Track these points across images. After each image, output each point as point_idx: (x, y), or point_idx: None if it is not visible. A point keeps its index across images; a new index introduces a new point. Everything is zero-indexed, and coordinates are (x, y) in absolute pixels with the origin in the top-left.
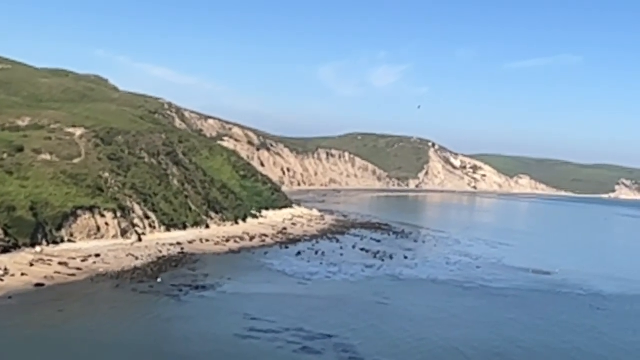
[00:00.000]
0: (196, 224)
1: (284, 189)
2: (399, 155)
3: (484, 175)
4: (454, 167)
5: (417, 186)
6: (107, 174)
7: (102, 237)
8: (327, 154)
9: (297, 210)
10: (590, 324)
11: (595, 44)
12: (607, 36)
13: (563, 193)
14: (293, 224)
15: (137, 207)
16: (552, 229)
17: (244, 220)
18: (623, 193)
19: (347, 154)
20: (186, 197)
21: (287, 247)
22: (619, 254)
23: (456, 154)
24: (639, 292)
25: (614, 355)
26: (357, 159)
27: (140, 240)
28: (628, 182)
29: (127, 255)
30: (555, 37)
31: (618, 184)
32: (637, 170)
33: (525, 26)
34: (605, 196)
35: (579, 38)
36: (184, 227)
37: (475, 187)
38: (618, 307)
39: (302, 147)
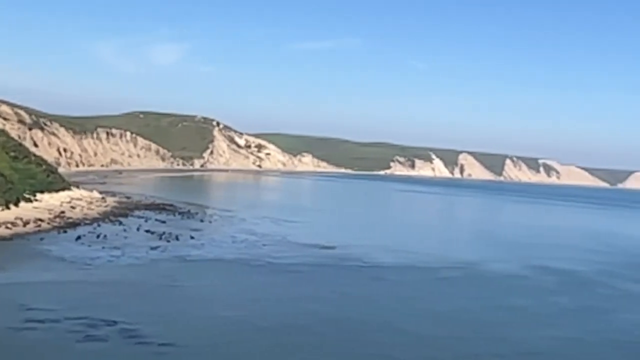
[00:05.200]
0: None
1: (61, 170)
2: (183, 134)
3: (268, 154)
4: (239, 146)
5: (202, 166)
6: None
7: None
8: (108, 133)
9: (76, 192)
10: (371, 293)
11: (374, 28)
12: (384, 20)
13: (343, 170)
14: (72, 207)
15: None
16: (334, 204)
17: (16, 204)
18: (397, 169)
19: (128, 134)
20: None
21: (65, 232)
22: (392, 226)
23: (241, 133)
24: (410, 262)
25: (389, 320)
26: (140, 139)
27: None
28: (401, 159)
29: None
30: (337, 20)
31: (393, 161)
32: (409, 148)
33: (308, 8)
34: (382, 172)
35: (358, 21)
36: None
37: (260, 166)
38: (394, 276)
39: (80, 126)
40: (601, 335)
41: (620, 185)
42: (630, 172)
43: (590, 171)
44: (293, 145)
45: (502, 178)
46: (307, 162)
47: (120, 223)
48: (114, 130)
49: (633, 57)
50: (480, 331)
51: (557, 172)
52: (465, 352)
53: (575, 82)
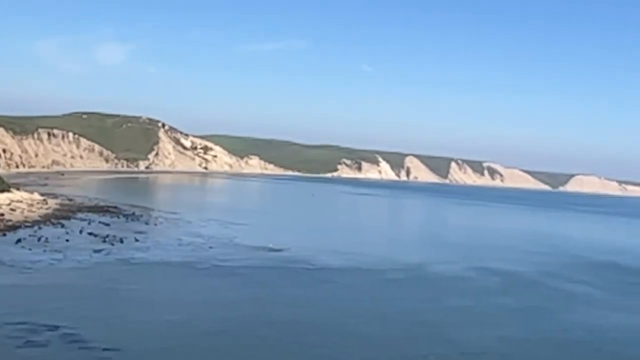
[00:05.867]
0: None
1: (0, 171)
2: (128, 135)
3: (214, 156)
4: (185, 147)
5: (147, 167)
6: None
7: None
8: (49, 134)
9: (16, 194)
10: (318, 295)
11: (319, 30)
12: (329, 23)
13: (290, 172)
14: (12, 209)
15: None
16: (281, 207)
17: None
18: (344, 172)
19: (71, 134)
20: None
21: (4, 235)
22: (339, 229)
23: (187, 135)
24: (357, 264)
25: (337, 322)
26: (83, 140)
27: None
28: (348, 162)
29: None
30: (282, 22)
31: (340, 163)
32: (355, 151)
33: (252, 10)
34: (329, 175)
35: (303, 24)
36: None
37: (206, 168)
38: (341, 278)
39: (20, 126)
40: (544, 335)
41: (561, 188)
42: (571, 176)
43: (533, 174)
44: (240, 147)
45: (447, 181)
46: (254, 164)
47: (63, 226)
48: (55, 131)
49: (576, 63)
50: (427, 332)
51: (501, 175)
52: (412, 353)
53: (519, 86)
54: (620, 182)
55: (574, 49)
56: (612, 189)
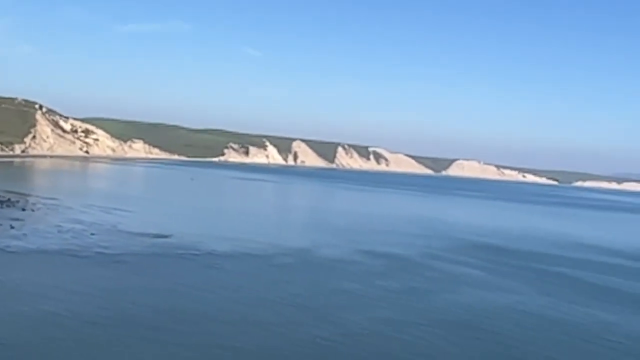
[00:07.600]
0: None
1: None
2: (1, 118)
3: (96, 140)
4: (65, 131)
5: (23, 151)
6: None
7: None
8: None
9: None
10: (205, 282)
11: (201, 13)
12: (212, 6)
13: (176, 157)
14: None
15: None
16: (166, 192)
17: None
18: (231, 156)
19: None
20: None
21: None
22: (226, 214)
23: (67, 118)
24: (245, 250)
25: (224, 308)
26: None
27: None
28: (235, 146)
29: None
30: (164, 2)
31: (227, 147)
32: (243, 135)
33: None
34: (216, 159)
35: (182, 5)
36: None
37: (87, 152)
38: (229, 265)
39: None
40: (426, 315)
41: (444, 172)
42: (453, 160)
43: (417, 159)
44: (123, 130)
45: (334, 165)
46: (139, 149)
47: None
48: None
49: (456, 52)
50: (314, 315)
51: (387, 160)
52: (300, 337)
53: (402, 73)
54: (498, 167)
55: (457, 38)
56: (491, 173)
